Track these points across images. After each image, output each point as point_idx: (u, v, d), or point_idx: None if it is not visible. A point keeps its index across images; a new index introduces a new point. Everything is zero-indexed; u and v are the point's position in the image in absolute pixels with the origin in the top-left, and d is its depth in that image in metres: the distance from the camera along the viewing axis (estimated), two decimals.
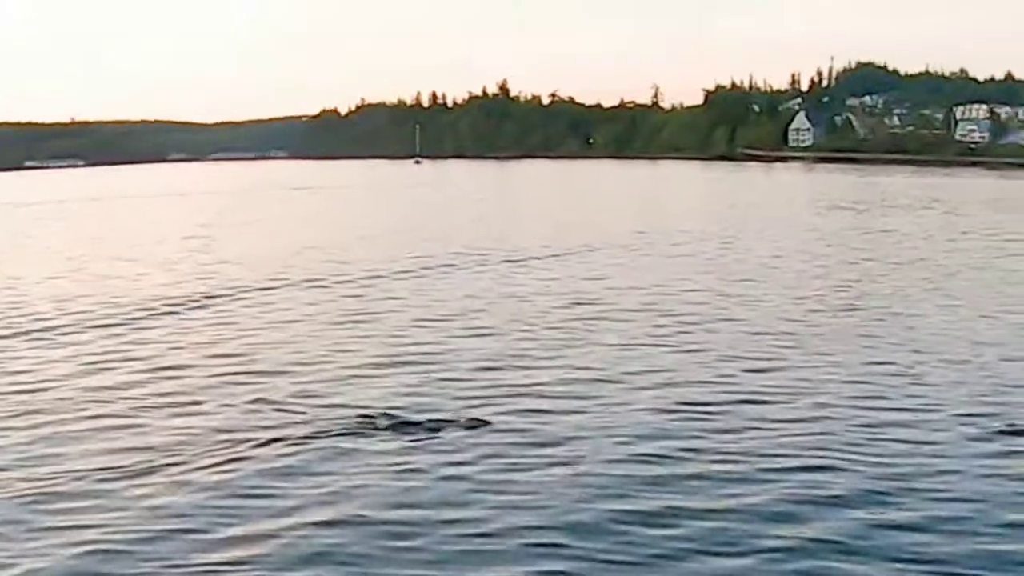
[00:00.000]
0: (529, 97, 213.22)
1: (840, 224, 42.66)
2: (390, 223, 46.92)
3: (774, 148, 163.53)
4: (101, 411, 13.08)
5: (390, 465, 10.65)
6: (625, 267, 27.69)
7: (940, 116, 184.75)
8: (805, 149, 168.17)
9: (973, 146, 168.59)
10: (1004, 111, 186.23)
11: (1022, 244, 34.72)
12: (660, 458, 10.75)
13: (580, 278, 25.23)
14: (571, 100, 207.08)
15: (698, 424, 11.96)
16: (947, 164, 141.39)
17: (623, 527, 9.00)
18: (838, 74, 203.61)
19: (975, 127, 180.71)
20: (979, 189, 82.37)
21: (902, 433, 11.54)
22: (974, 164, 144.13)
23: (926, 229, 40.27)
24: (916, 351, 16.01)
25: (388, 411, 12.48)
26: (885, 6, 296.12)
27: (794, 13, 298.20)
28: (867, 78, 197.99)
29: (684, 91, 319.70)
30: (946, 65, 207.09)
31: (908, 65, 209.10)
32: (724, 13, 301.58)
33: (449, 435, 11.58)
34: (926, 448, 11.04)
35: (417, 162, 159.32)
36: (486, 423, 12.02)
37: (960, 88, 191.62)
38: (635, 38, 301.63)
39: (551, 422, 12.08)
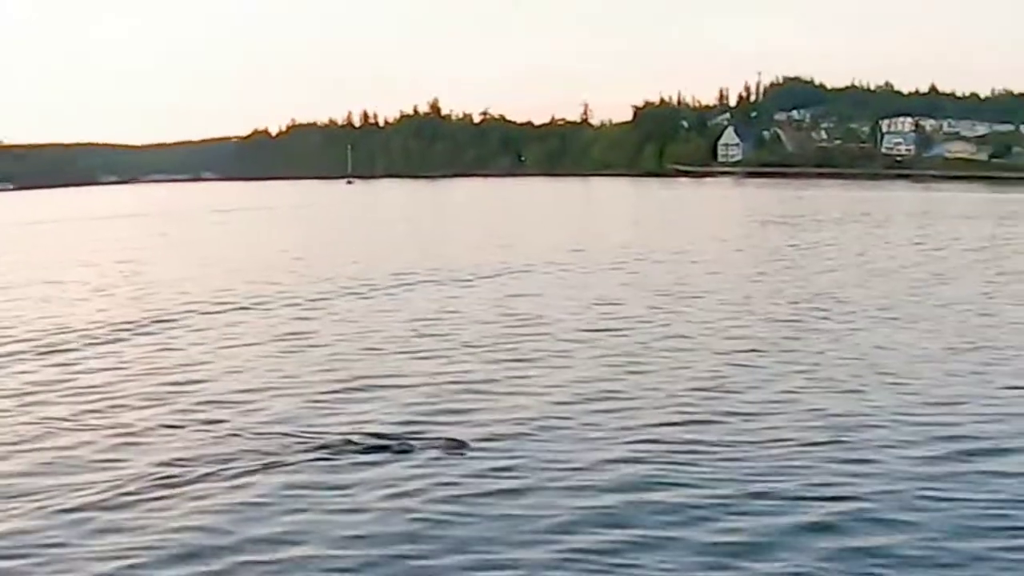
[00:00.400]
0: (461, 115, 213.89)
1: (775, 239, 43.05)
2: (326, 243, 46.60)
3: (704, 163, 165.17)
4: (43, 445, 12.60)
5: (343, 493, 10.50)
6: (566, 285, 27.61)
7: (867, 130, 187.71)
8: (734, 164, 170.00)
9: (899, 159, 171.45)
10: (929, 124, 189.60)
11: (951, 256, 35.39)
12: (621, 483, 10.67)
13: (522, 296, 25.17)
14: (502, 118, 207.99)
15: (649, 448, 11.89)
16: (874, 177, 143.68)
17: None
18: (766, 89, 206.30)
19: (901, 140, 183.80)
20: (906, 202, 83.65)
21: (846, 454, 11.54)
22: (901, 177, 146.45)
23: (862, 242, 40.83)
24: (854, 366, 16.16)
25: (347, 436, 12.31)
26: (811, 22, 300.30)
27: (722, 29, 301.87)
28: (794, 93, 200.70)
29: (614, 108, 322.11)
30: (872, 79, 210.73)
31: (835, 79, 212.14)
32: (652, 30, 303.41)
33: (406, 460, 11.45)
34: (869, 467, 11.07)
35: (349, 182, 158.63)
36: (460, 443, 11.92)
37: (886, 102, 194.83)
38: (564, 54, 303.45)
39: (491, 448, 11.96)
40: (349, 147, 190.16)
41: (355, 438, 12.22)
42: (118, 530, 9.68)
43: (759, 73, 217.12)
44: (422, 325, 21.06)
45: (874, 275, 29.59)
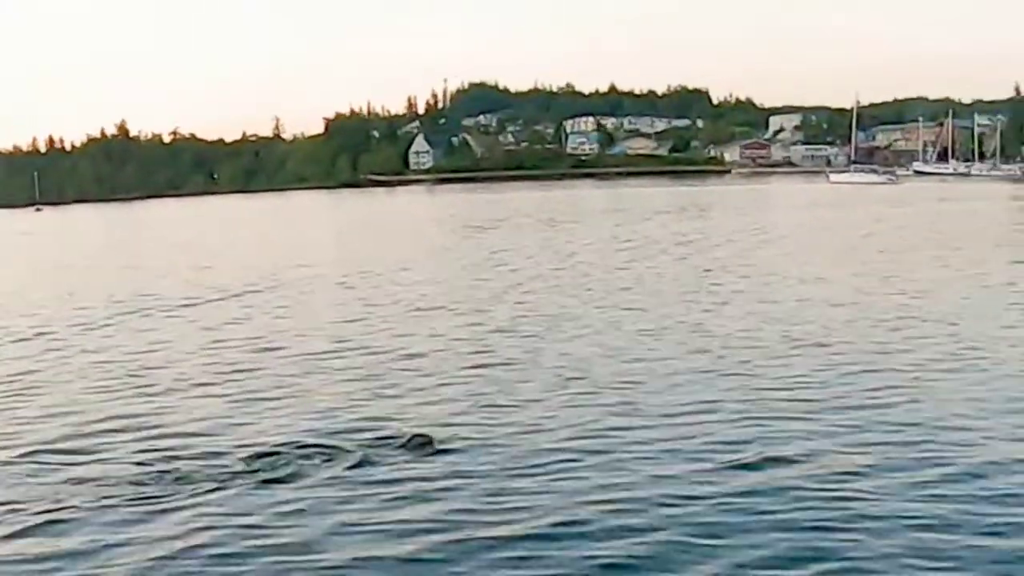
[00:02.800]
0: (150, 136, 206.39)
1: (479, 245, 43.02)
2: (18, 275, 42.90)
3: (397, 172, 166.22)
4: None
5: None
6: (295, 308, 25.88)
7: (551, 131, 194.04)
8: (426, 171, 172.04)
9: (584, 158, 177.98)
10: (610, 122, 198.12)
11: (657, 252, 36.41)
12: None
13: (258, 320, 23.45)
14: (193, 137, 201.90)
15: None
16: (562, 177, 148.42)
17: None
18: (452, 95, 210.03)
19: (584, 140, 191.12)
20: (594, 199, 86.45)
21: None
22: (586, 176, 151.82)
23: (567, 243, 41.56)
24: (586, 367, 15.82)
25: None
26: (494, 27, 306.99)
27: (407, 36, 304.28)
28: (481, 98, 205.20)
29: (306, 121, 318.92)
30: (554, 81, 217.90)
31: (518, 83, 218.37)
32: (337, 40, 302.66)
33: None
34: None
35: (38, 209, 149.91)
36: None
37: (568, 103, 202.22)
38: (253, 70, 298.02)
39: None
40: (36, 173, 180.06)
41: None
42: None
43: (445, 80, 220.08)
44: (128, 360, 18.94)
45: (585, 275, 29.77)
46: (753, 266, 30.63)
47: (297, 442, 11.74)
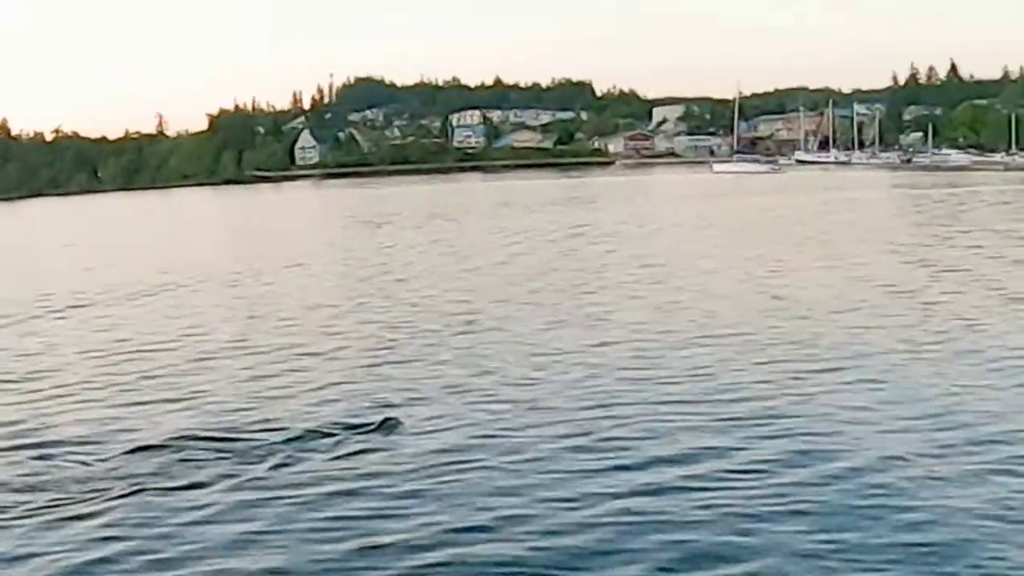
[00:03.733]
0: (32, 135, 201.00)
1: (369, 241, 43.09)
2: None
3: (283, 168, 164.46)
4: None
5: None
6: (184, 308, 25.27)
7: (438, 125, 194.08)
8: (312, 167, 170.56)
9: (470, 151, 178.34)
10: (496, 115, 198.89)
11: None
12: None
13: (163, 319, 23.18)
14: (76, 135, 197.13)
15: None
16: (448, 171, 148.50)
17: None
18: (338, 90, 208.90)
19: (471, 133, 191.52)
20: (481, 193, 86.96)
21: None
22: (473, 169, 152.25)
23: (458, 237, 42.12)
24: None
25: None
26: (379, 21, 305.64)
27: (292, 32, 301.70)
28: (367, 92, 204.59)
29: (190, 118, 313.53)
30: (440, 75, 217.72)
31: (404, 77, 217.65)
32: (221, 36, 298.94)
33: None
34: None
35: None
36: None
37: (454, 96, 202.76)
38: (136, 69, 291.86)
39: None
40: None
41: None
42: None
43: (331, 75, 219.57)
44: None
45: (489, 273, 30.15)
46: (639, 258, 31.42)
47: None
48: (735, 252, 31.98)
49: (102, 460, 11.55)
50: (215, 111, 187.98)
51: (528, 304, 22.67)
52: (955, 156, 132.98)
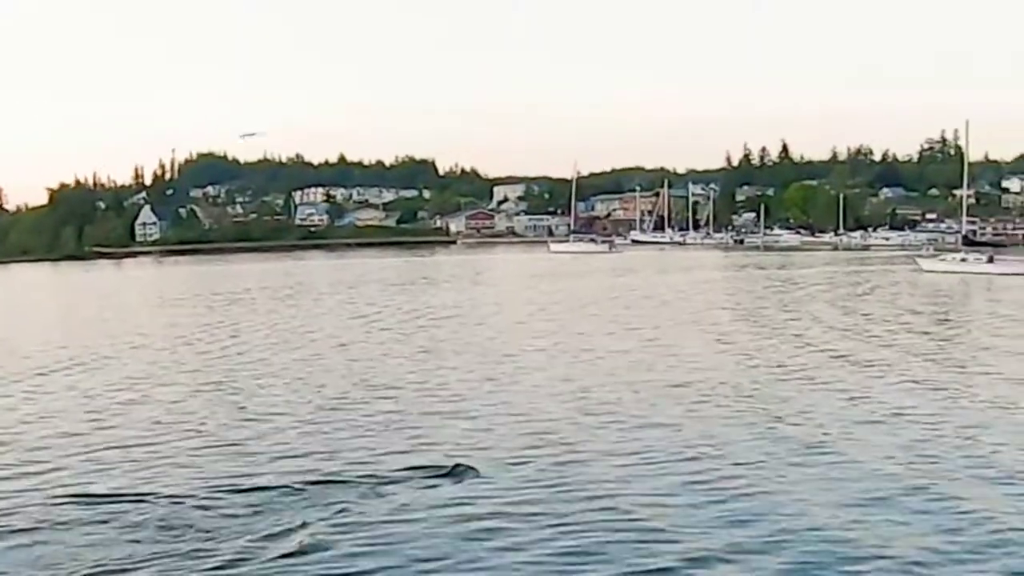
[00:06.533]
0: None
1: (203, 319, 43.75)
2: None
3: (123, 244, 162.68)
4: None
5: None
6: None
7: (281, 202, 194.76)
8: (153, 243, 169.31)
9: (313, 229, 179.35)
10: (340, 193, 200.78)
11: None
12: None
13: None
14: None
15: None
16: (291, 249, 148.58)
17: None
18: (180, 166, 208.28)
19: (314, 210, 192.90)
20: (324, 271, 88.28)
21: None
22: (316, 247, 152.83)
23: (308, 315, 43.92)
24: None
25: None
26: (223, 96, 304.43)
27: (135, 106, 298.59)
28: (209, 168, 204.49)
29: (30, 191, 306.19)
30: (284, 151, 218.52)
31: (248, 153, 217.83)
32: (62, 108, 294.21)
33: None
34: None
35: None
36: None
37: (298, 173, 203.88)
38: None
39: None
40: None
41: None
42: None
43: (173, 150, 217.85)
44: None
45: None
46: (471, 344, 32.77)
47: None
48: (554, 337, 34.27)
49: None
50: (55, 184, 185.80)
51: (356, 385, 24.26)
52: (786, 236, 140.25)
